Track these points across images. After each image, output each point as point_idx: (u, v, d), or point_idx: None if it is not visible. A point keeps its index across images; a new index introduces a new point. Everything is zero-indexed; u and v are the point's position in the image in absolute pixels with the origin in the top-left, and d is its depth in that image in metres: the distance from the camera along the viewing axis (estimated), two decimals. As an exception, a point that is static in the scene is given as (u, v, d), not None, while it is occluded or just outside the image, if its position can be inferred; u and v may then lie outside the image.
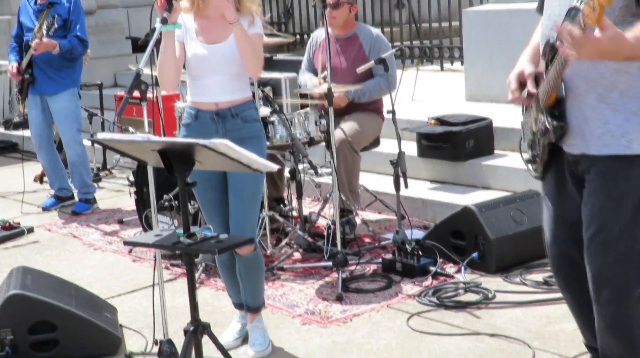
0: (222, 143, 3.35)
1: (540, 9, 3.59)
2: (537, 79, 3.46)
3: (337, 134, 5.94)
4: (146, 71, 4.37)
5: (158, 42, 4.14)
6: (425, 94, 8.92)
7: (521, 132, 3.73)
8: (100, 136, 3.68)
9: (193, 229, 3.61)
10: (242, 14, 4.32)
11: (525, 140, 3.68)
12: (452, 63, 10.87)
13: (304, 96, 6.45)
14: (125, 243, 3.94)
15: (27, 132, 8.24)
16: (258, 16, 4.39)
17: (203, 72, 4.34)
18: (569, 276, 3.66)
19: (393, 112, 5.81)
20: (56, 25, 7.19)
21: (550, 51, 3.33)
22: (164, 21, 4.11)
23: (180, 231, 3.62)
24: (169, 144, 3.55)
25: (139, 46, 12.33)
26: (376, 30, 6.57)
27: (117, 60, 12.41)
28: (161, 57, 4.29)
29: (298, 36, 12.40)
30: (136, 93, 4.10)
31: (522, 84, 3.50)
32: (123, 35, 12.88)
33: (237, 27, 4.22)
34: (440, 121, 7.14)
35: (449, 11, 11.02)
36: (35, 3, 7.52)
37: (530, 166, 3.68)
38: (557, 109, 3.38)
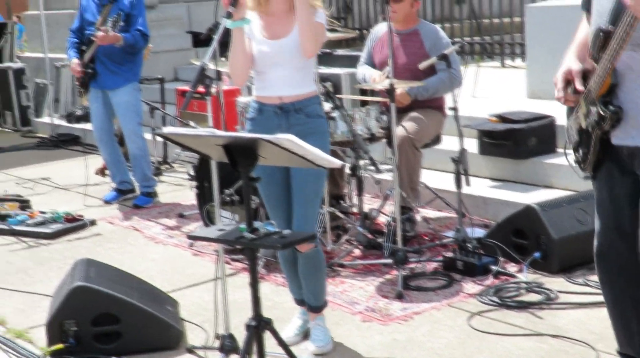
0: (287, 139, 3.34)
1: (585, 5, 3.57)
2: (584, 76, 3.43)
3: (398, 131, 5.90)
4: (210, 65, 4.38)
5: (223, 37, 4.14)
6: (485, 91, 8.85)
7: (566, 136, 3.71)
8: (166, 130, 3.71)
9: (256, 224, 3.61)
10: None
11: (570, 142, 3.66)
12: (512, 59, 10.78)
13: (363, 91, 6.43)
14: (189, 236, 3.97)
15: (88, 126, 8.33)
16: (322, 9, 4.37)
17: (267, 68, 4.35)
18: (613, 270, 3.64)
19: (455, 109, 5.76)
20: (122, 23, 7.25)
21: (603, 38, 3.28)
22: (229, 16, 4.11)
23: (243, 226, 3.62)
24: (234, 139, 3.56)
25: (199, 40, 12.43)
26: (438, 27, 6.52)
27: (177, 54, 12.52)
28: (231, 53, 4.31)
29: (357, 31, 12.37)
30: (200, 88, 4.11)
31: (568, 83, 3.47)
32: (183, 30, 12.96)
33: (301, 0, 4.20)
34: (502, 118, 7.07)
35: (511, 7, 10.94)
36: (98, -2, 7.59)
37: (579, 166, 3.65)
38: (610, 96, 3.34)
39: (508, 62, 10.80)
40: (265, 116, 4.40)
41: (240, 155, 3.54)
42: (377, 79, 6.20)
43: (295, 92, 4.37)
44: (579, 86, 3.41)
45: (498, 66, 10.75)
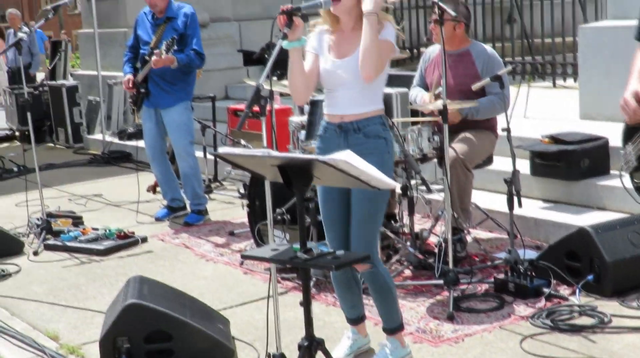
0: (343, 160, 3.33)
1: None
2: None
3: (450, 152, 5.88)
4: (265, 85, 4.40)
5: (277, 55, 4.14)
6: (537, 111, 8.79)
7: (622, 161, 3.69)
8: (221, 150, 3.73)
9: (309, 244, 3.62)
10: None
11: (628, 168, 3.65)
12: (564, 80, 10.70)
13: (414, 111, 6.42)
14: (243, 256, 3.97)
15: (140, 143, 8.41)
16: (390, 23, 4.31)
17: (333, 86, 4.35)
18: None
19: (508, 130, 5.72)
20: (175, 47, 7.30)
21: None
22: (284, 37, 4.12)
23: (297, 246, 3.63)
24: (289, 159, 3.57)
25: (250, 59, 12.55)
26: (490, 48, 6.48)
27: (228, 73, 12.61)
28: (289, 73, 4.32)
29: (408, 51, 12.37)
30: (254, 107, 4.12)
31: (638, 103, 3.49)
32: (234, 48, 13.07)
33: (370, 18, 4.16)
34: (555, 139, 7.03)
35: (563, 26, 10.87)
36: (153, 17, 7.68)
37: (638, 192, 3.64)
38: None
39: (559, 82, 10.73)
40: (328, 134, 4.41)
41: (295, 176, 3.55)
42: (427, 100, 6.20)
43: (356, 112, 4.33)
44: None
45: (549, 86, 10.69)
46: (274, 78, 6.07)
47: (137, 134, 10.85)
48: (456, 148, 6.10)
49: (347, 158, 3.34)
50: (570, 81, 10.50)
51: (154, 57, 7.32)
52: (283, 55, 4.21)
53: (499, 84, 5.87)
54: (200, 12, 8.12)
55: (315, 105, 5.89)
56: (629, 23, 7.78)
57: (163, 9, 7.61)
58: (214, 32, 12.69)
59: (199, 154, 8.25)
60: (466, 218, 6.25)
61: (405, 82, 6.86)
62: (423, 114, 6.27)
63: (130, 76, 7.68)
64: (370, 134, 4.34)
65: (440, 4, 5.50)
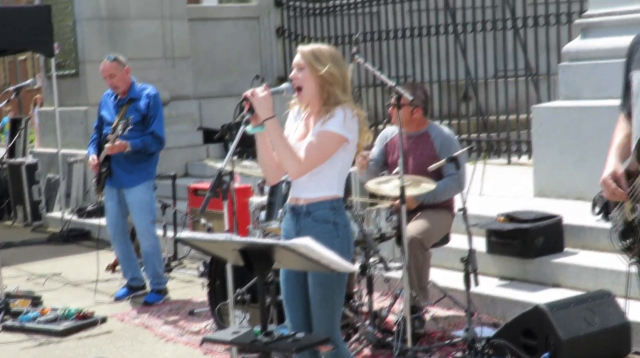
0: (303, 245, 3.42)
1: (625, 109, 3.87)
2: (628, 175, 3.79)
3: (408, 231, 5.97)
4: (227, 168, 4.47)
5: (245, 139, 4.20)
6: (493, 189, 8.95)
7: (613, 224, 3.98)
8: (184, 235, 3.80)
9: (270, 327, 3.68)
10: (328, 106, 4.28)
11: (616, 231, 3.91)
12: (519, 157, 10.90)
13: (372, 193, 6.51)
14: (205, 339, 4.01)
15: (101, 221, 8.43)
16: (343, 111, 4.25)
17: None
18: None
19: (464, 210, 5.85)
20: (131, 126, 7.35)
21: None
22: (247, 123, 4.19)
23: (258, 329, 3.69)
24: (250, 244, 3.65)
25: (210, 137, 12.66)
26: (448, 129, 6.62)
27: (188, 150, 12.72)
28: (258, 156, 4.35)
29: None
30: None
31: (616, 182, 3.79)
32: (195, 126, 13.19)
33: (268, 124, 4.16)
34: (510, 217, 7.17)
35: (517, 104, 11.12)
36: (116, 98, 7.77)
37: (626, 252, 3.91)
38: None
39: (514, 159, 10.92)
40: (287, 216, 4.43)
41: (257, 259, 3.63)
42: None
43: (308, 196, 4.31)
44: (625, 188, 3.77)
45: (504, 163, 10.86)
46: (234, 157, 6.15)
47: (97, 212, 10.89)
48: (414, 228, 6.20)
49: (307, 243, 3.43)
50: (524, 158, 10.70)
51: (107, 145, 7.40)
52: (243, 135, 4.27)
53: (454, 165, 5.99)
54: (161, 90, 8.21)
55: (275, 186, 5.98)
56: (581, 104, 8.05)
57: (125, 90, 7.70)
58: (174, 110, 12.80)
59: (159, 232, 8.28)
60: (424, 296, 6.32)
61: (363, 161, 6.96)
62: (381, 197, 6.37)
63: (93, 156, 7.74)
64: (319, 219, 4.29)
65: (398, 88, 5.64)
